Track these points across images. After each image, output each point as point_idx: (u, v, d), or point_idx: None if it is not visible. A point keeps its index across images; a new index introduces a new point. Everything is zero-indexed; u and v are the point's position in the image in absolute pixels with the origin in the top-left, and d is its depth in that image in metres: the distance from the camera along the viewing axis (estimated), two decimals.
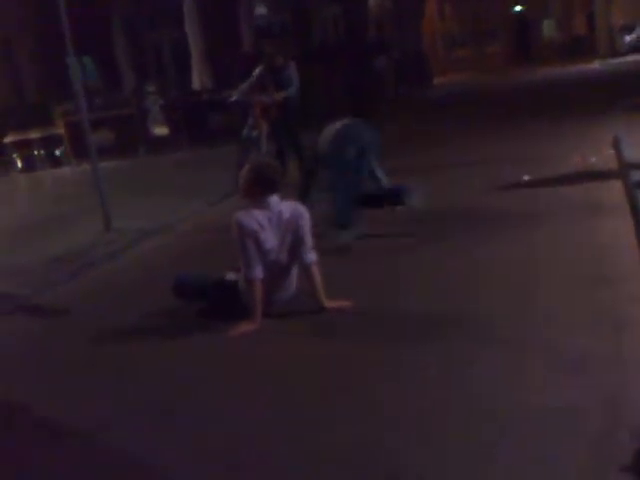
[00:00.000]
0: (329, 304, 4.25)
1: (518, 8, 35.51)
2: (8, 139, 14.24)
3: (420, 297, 4.36)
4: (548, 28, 35.74)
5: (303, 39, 19.36)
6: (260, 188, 4.26)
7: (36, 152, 14.08)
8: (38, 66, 18.22)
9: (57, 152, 14.14)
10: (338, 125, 6.11)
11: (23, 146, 14.06)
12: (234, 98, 8.98)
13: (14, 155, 14.11)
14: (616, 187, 6.34)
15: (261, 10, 21.05)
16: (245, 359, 3.79)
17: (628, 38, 28.16)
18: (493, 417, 2.84)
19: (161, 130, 14.24)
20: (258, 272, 4.17)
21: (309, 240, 4.30)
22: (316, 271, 4.27)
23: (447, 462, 2.60)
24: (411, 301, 4.31)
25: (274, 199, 4.28)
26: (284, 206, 4.30)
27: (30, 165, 13.96)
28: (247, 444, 2.92)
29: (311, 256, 4.28)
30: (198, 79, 15.10)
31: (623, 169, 6.79)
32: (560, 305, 3.91)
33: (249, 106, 8.86)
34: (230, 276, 4.52)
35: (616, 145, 8.00)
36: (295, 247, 4.28)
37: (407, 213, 6.26)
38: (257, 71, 8.80)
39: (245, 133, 8.85)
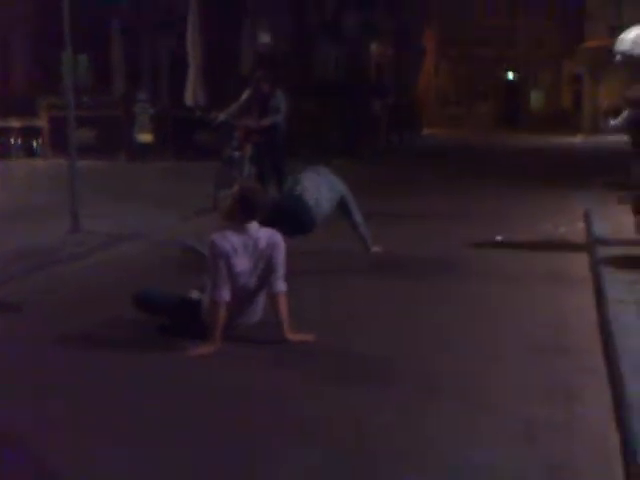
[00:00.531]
0: (292, 336, 4.16)
1: (510, 76, 36.45)
2: None
3: (382, 340, 4.31)
4: (536, 99, 36.63)
5: (303, 72, 19.41)
6: (243, 213, 4.20)
7: (13, 140, 13.81)
8: (30, 58, 18.02)
9: (34, 143, 13.89)
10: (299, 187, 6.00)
11: (1, 133, 13.79)
12: (220, 119, 9.00)
13: None
14: (582, 260, 6.36)
15: (264, 37, 21.13)
16: (198, 381, 3.64)
17: (612, 122, 28.87)
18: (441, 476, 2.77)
19: (145, 138, 14.04)
20: (225, 294, 4.07)
21: (281, 270, 4.23)
22: (283, 301, 4.19)
23: None
24: (374, 343, 4.25)
25: (253, 225, 4.21)
26: (262, 233, 4.24)
27: (5, 152, 13.68)
28: (186, 471, 2.76)
29: (280, 285, 4.20)
30: (191, 94, 14.96)
31: (590, 243, 6.84)
32: (515, 370, 3.87)
33: (234, 128, 8.86)
34: (194, 294, 4.41)
35: (587, 219, 8.02)
36: (266, 275, 4.21)
37: (381, 257, 6.20)
38: (245, 95, 8.81)
39: (227, 154, 8.84)
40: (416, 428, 3.15)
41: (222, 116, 9.01)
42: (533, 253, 6.80)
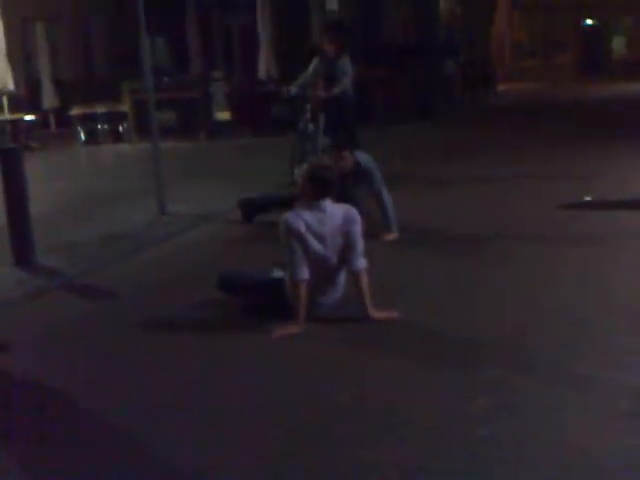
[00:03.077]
0: (375, 314, 4.21)
1: (589, 22, 34.94)
2: (74, 111, 14.53)
3: (469, 315, 4.28)
4: (618, 45, 35.04)
5: (371, 36, 19.28)
6: (314, 190, 4.25)
7: (100, 126, 14.34)
8: (111, 43, 18.60)
9: (120, 128, 14.37)
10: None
11: (88, 119, 14.33)
12: (293, 92, 9.03)
13: (78, 127, 14.40)
14: None
15: (332, 4, 21.04)
16: (282, 362, 3.77)
17: None
18: (544, 462, 2.69)
19: (223, 115, 14.35)
20: (303, 274, 4.13)
21: (360, 246, 4.26)
22: (364, 278, 4.23)
23: None
24: (460, 319, 4.22)
25: (327, 202, 4.26)
26: (337, 209, 4.28)
27: (93, 138, 14.23)
28: (258, 454, 2.87)
29: (360, 262, 4.24)
30: (264, 68, 15.16)
31: None
32: (620, 337, 3.78)
33: (306, 100, 8.90)
34: (276, 273, 4.52)
35: None
36: (344, 252, 4.24)
37: (468, 228, 6.20)
38: (312, 64, 8.82)
39: (301, 126, 8.88)
40: (517, 412, 3.07)
41: (293, 89, 9.04)
42: (627, 212, 6.57)
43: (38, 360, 4.01)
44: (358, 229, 4.27)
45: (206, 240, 6.63)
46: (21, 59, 16.23)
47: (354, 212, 4.33)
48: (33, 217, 5.71)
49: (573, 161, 9.69)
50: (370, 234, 4.56)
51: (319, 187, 4.24)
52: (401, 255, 5.66)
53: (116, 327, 4.44)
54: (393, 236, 6.05)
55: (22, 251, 5.60)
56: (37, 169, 9.63)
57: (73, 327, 4.49)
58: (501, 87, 25.45)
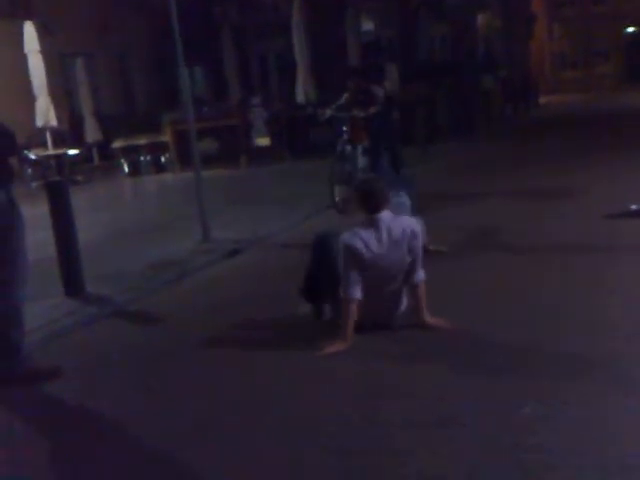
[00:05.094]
0: (430, 319, 4.20)
1: (630, 30, 34.45)
2: (116, 144, 14.81)
3: (519, 323, 4.22)
4: None
5: (409, 56, 19.31)
6: (369, 207, 4.21)
7: (142, 158, 14.57)
8: (150, 76, 18.99)
9: (162, 159, 14.59)
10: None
11: (130, 151, 14.60)
12: (327, 115, 9.14)
13: (121, 160, 14.67)
14: None
15: (368, 26, 21.17)
16: (330, 379, 3.74)
17: None
18: (593, 470, 2.65)
19: (263, 141, 14.45)
20: (356, 293, 4.09)
21: (420, 258, 4.22)
22: (423, 289, 4.23)
23: None
24: (515, 330, 4.13)
25: (385, 215, 4.20)
26: (396, 222, 4.21)
27: (136, 170, 14.48)
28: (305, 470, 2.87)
29: (419, 275, 4.22)
30: (302, 92, 15.27)
31: None
32: None
33: (343, 122, 8.98)
34: None
35: None
36: (404, 265, 4.19)
37: (520, 239, 6.06)
38: (344, 97, 9.06)
39: (339, 148, 8.90)
40: (567, 421, 3.02)
41: (328, 111, 9.16)
42: None
43: (90, 385, 4.05)
44: (418, 243, 4.21)
45: (249, 265, 6.62)
46: (62, 95, 16.64)
47: (413, 225, 4.24)
48: (81, 248, 5.78)
49: (618, 171, 9.48)
50: None
51: (371, 203, 4.20)
52: (452, 267, 5.54)
53: (163, 352, 4.46)
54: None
55: (72, 281, 5.67)
56: (83, 201, 9.79)
57: (123, 353, 4.52)
58: (542, 99, 25.22)
